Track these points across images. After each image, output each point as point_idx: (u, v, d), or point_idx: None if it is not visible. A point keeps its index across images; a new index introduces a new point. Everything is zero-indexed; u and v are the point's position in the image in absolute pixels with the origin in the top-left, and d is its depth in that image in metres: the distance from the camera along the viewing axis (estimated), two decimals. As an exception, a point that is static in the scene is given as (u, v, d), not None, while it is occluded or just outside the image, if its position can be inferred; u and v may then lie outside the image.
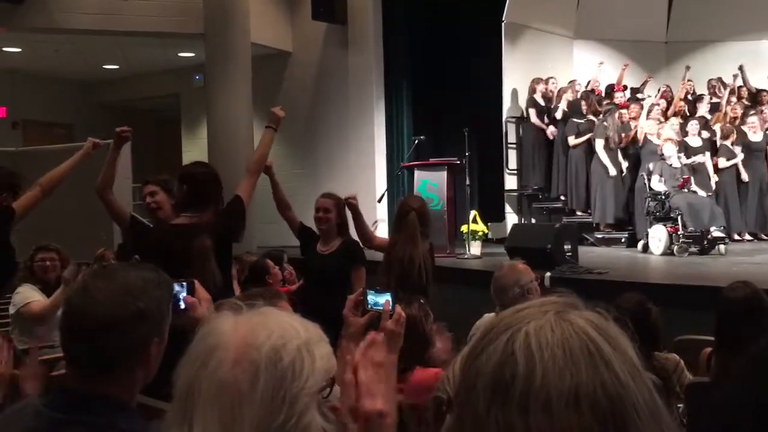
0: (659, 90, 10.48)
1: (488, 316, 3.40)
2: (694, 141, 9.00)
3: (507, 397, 0.72)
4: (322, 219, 4.26)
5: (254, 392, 0.95)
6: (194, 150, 11.89)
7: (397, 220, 4.33)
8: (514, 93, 10.26)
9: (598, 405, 0.71)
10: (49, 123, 11.98)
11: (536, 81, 9.98)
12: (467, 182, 8.29)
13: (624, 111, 9.40)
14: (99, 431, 1.35)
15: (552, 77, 10.25)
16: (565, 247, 6.54)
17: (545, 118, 9.85)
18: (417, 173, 8.40)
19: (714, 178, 8.87)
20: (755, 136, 9.26)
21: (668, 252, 7.54)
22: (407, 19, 10.04)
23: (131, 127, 3.93)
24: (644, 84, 10.80)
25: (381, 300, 2.23)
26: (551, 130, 9.69)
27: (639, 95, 10.49)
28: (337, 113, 10.64)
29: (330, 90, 10.73)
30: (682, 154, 8.40)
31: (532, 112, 9.88)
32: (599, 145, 8.99)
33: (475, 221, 7.92)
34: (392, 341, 1.81)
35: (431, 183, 8.22)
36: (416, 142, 8.60)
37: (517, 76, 10.23)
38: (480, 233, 7.90)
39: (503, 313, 0.80)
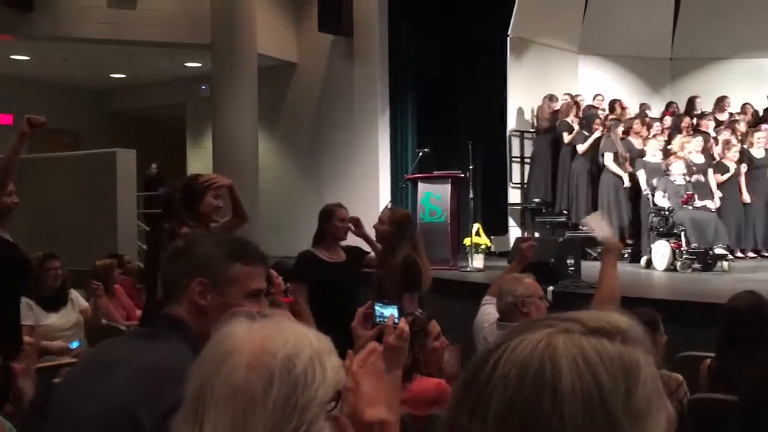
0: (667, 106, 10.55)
1: (488, 309, 3.40)
2: (697, 158, 9.01)
3: (465, 402, 0.73)
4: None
5: (267, 398, 0.97)
6: (199, 160, 11.94)
7: (403, 230, 4.31)
8: (519, 107, 10.31)
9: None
10: (57, 130, 12.05)
11: (550, 98, 10.01)
12: (471, 195, 8.31)
13: (624, 127, 9.46)
14: (166, 343, 1.51)
15: (566, 94, 10.28)
16: (568, 261, 6.54)
17: (555, 132, 9.88)
18: (421, 186, 8.42)
19: (717, 194, 8.88)
20: (758, 152, 9.28)
21: (671, 268, 7.54)
22: (413, 32, 10.10)
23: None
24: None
25: (387, 312, 2.25)
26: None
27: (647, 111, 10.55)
28: (341, 125, 10.69)
29: (335, 102, 10.79)
30: (685, 171, 8.42)
31: (544, 126, 9.91)
32: (608, 159, 9.01)
33: (478, 234, 7.93)
34: (393, 355, 1.82)
35: (435, 196, 8.24)
36: (420, 154, 8.63)
37: (522, 90, 10.28)
38: (483, 246, 7.91)
39: (523, 322, 0.80)
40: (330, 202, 4.60)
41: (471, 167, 8.27)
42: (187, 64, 11.53)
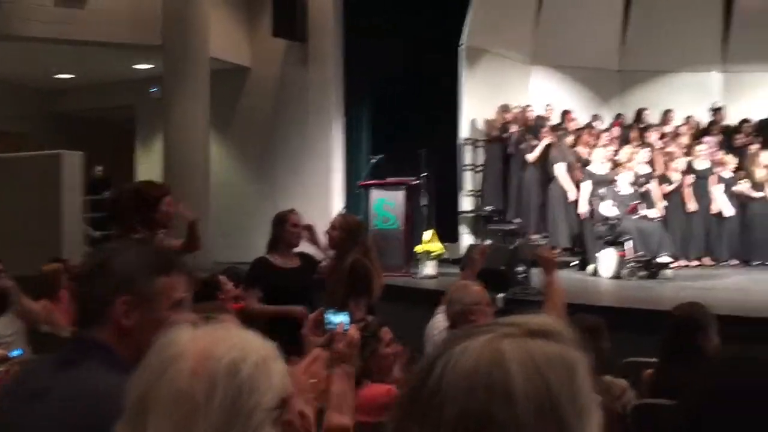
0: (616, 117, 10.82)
1: (439, 317, 3.43)
2: (643, 169, 9.25)
3: (413, 411, 0.73)
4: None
5: (211, 403, 0.95)
6: (148, 162, 11.73)
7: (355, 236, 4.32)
8: (472, 116, 10.42)
9: None
10: (2, 132, 11.69)
11: (503, 109, 10.15)
12: (424, 202, 8.36)
13: (573, 137, 9.66)
14: (89, 371, 1.42)
15: (517, 106, 10.45)
16: (519, 269, 6.63)
17: (506, 141, 10.02)
18: (374, 192, 8.44)
19: (662, 204, 9.11)
20: (701, 163, 9.57)
21: (617, 276, 7.71)
22: (368, 39, 10.11)
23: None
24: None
25: (338, 320, 2.25)
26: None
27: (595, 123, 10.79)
28: (295, 130, 10.63)
29: (289, 107, 10.73)
30: (632, 181, 8.64)
31: (495, 134, 10.03)
32: (559, 169, 9.17)
33: (432, 241, 7.97)
34: (342, 362, 1.81)
35: (388, 202, 8.27)
36: (374, 161, 8.65)
37: (475, 99, 10.39)
38: (438, 252, 7.95)
39: (463, 328, 0.80)
40: (283, 207, 4.61)
41: (424, 175, 8.32)
42: (138, 66, 11.32)
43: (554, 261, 3.48)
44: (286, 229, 4.31)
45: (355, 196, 9.51)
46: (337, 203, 9.95)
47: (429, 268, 7.85)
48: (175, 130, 9.31)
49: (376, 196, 8.40)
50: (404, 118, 9.89)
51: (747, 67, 11.66)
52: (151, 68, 10.95)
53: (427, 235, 7.97)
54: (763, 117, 10.74)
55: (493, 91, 10.56)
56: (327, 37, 10.17)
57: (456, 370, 0.72)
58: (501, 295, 5.76)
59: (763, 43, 11.35)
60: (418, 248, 7.97)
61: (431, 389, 0.72)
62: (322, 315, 2.30)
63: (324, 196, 10.05)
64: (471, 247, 6.43)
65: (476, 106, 10.43)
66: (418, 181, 8.34)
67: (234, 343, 1.01)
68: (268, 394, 0.98)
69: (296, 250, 4.40)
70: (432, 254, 7.87)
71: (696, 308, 2.87)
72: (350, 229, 4.25)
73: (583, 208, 8.74)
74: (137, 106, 12.50)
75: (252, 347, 1.01)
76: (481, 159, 10.38)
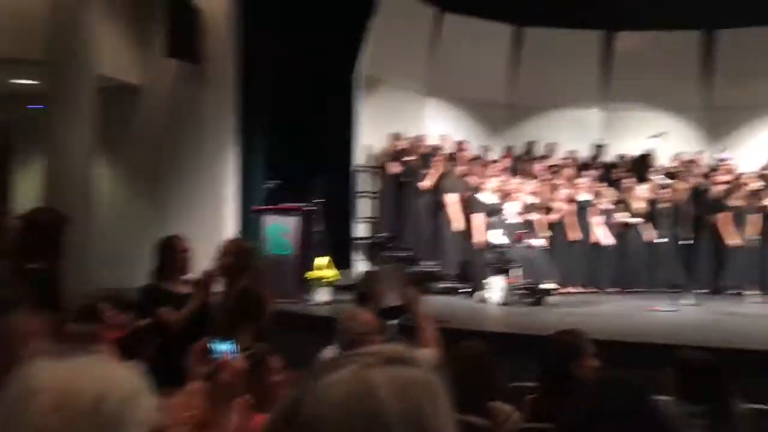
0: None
1: (331, 347, 3.40)
2: (530, 199, 9.63)
3: None
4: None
5: None
6: (27, 182, 11.07)
7: (245, 261, 4.22)
8: (367, 144, 10.54)
9: None
10: None
11: (395, 137, 10.34)
12: (318, 228, 8.33)
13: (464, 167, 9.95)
14: None
15: (412, 135, 10.67)
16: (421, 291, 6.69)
17: (400, 169, 10.18)
18: (268, 218, 8.34)
19: (545, 234, 9.49)
20: (582, 195, 10.07)
21: (505, 302, 7.95)
22: (266, 62, 10.03)
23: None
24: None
25: (223, 348, 2.18)
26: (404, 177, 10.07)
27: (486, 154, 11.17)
28: (188, 153, 10.34)
29: (182, 129, 10.43)
30: (519, 210, 8.97)
31: (390, 163, 10.17)
32: (450, 198, 9.39)
33: (326, 267, 7.94)
34: (227, 392, 1.76)
35: (282, 228, 8.19)
36: (269, 186, 8.56)
37: (370, 127, 10.52)
38: (331, 278, 7.92)
39: (329, 358, 0.82)
40: (174, 232, 4.49)
41: (319, 201, 8.31)
42: (17, 80, 10.72)
43: (416, 295, 3.53)
44: (176, 254, 4.21)
45: (250, 221, 9.34)
46: (230, 228, 9.73)
47: (322, 295, 7.81)
48: (57, 149, 8.82)
49: (271, 221, 8.30)
50: (300, 143, 9.86)
51: (624, 106, 12.47)
52: (30, 84, 10.39)
53: (322, 261, 7.93)
54: (639, 153, 11.47)
55: (389, 120, 10.74)
56: (223, 60, 10.00)
57: (328, 402, 0.72)
58: (394, 321, 5.78)
59: (639, 84, 12.19)
60: (312, 274, 7.91)
61: (304, 423, 0.72)
62: (207, 344, 2.23)
63: (217, 220, 9.80)
64: (367, 277, 6.42)
65: (372, 134, 10.56)
66: (312, 207, 8.30)
67: (98, 377, 0.95)
68: (133, 430, 0.93)
69: (184, 276, 4.27)
70: (325, 280, 7.83)
71: (574, 335, 2.99)
72: (241, 255, 4.17)
73: (477, 237, 8.99)
74: (16, 123, 11.80)
75: (118, 381, 0.96)
76: (376, 186, 10.50)
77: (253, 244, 5.57)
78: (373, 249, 9.95)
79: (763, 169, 10.95)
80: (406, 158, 10.15)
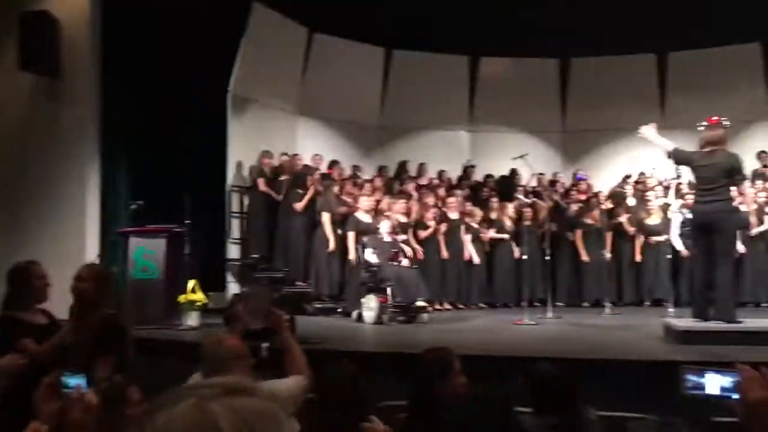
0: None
1: (196, 376, 3.27)
2: (402, 218, 9.81)
3: None
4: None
5: None
6: None
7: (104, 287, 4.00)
8: (239, 163, 10.36)
9: None
10: None
11: (265, 154, 10.22)
12: (188, 251, 8.06)
13: (338, 187, 10.00)
14: None
15: (284, 153, 10.59)
16: (287, 315, 6.60)
17: (272, 188, 10.05)
18: (133, 240, 7.97)
19: (418, 251, 9.69)
20: (453, 214, 10.38)
21: (379, 321, 8.02)
22: (131, 77, 9.63)
23: None
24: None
25: (74, 382, 2.05)
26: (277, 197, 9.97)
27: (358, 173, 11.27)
28: (44, 173, 9.71)
29: (38, 147, 9.77)
30: (391, 229, 9.10)
31: (261, 181, 10.02)
32: (324, 218, 9.39)
33: (194, 291, 7.68)
34: (74, 430, 1.64)
35: (148, 251, 7.85)
36: (133, 207, 8.19)
37: (242, 146, 10.36)
38: (199, 303, 7.67)
39: (171, 390, 0.80)
40: (30, 257, 4.20)
41: (187, 222, 8.05)
42: None
43: (281, 319, 3.49)
44: (32, 282, 3.95)
45: (112, 243, 8.89)
46: (92, 252, 9.20)
47: (192, 319, 7.54)
48: None
49: (136, 243, 7.94)
50: (168, 162, 9.52)
51: (489, 128, 13.03)
52: None
53: (189, 284, 7.67)
54: (504, 173, 12.00)
55: (261, 139, 10.62)
56: (82, 75, 9.49)
57: None
58: (265, 344, 5.66)
59: (501, 107, 12.79)
60: (181, 298, 7.63)
61: None
62: (58, 378, 2.08)
63: (77, 244, 9.23)
64: (234, 300, 6.28)
65: (244, 153, 10.40)
66: (181, 229, 8.02)
67: None
68: None
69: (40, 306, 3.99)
70: (195, 304, 7.57)
71: (442, 352, 3.05)
72: (99, 280, 3.93)
73: (350, 256, 9.04)
74: None
75: None
76: (248, 205, 10.31)
77: (111, 269, 5.30)
78: (245, 270, 9.75)
79: (615, 188, 11.78)
80: (278, 177, 10.06)
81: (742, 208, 9.54)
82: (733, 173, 6.32)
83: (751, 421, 1.43)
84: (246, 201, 10.32)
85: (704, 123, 6.50)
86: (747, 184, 6.39)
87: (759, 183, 10.61)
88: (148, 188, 9.22)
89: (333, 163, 10.98)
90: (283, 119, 11.52)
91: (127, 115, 9.57)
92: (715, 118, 6.51)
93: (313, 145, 11.48)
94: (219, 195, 10.03)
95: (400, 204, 9.90)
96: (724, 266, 6.17)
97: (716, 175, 6.22)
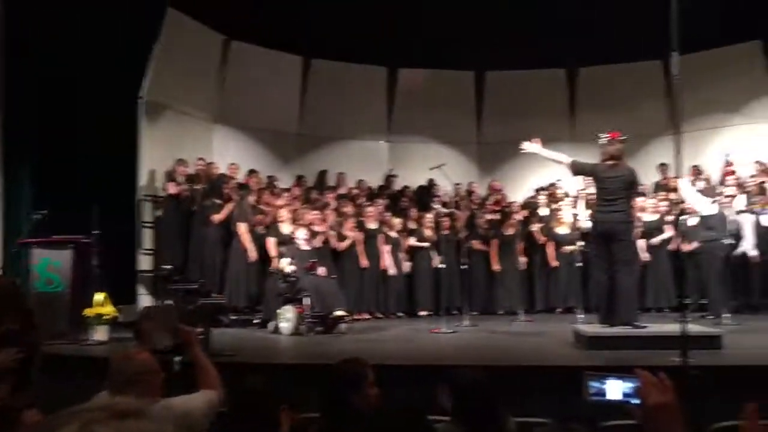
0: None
1: (103, 394, 3.14)
2: (320, 227, 9.77)
3: None
4: None
5: None
6: None
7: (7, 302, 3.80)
8: (152, 172, 10.06)
9: None
10: None
11: (179, 163, 9.96)
12: (95, 262, 7.76)
13: (255, 196, 9.87)
14: None
15: (200, 159, 10.35)
16: (198, 329, 6.43)
17: (187, 198, 9.81)
18: (36, 251, 7.60)
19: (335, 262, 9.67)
20: (372, 224, 10.42)
21: (296, 332, 7.94)
22: (35, 83, 9.22)
23: None
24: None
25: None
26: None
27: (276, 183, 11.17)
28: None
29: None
30: (309, 238, 9.05)
31: (171, 185, 9.76)
32: (241, 228, 9.22)
33: (102, 304, 7.39)
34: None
35: (53, 262, 7.51)
36: (37, 217, 7.82)
37: (156, 154, 10.08)
38: (108, 317, 7.38)
39: (56, 414, 0.77)
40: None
41: (96, 232, 7.75)
42: None
43: (190, 335, 3.41)
44: None
45: (14, 255, 8.45)
46: (-8, 264, 8.73)
47: (100, 334, 7.25)
48: None
49: (39, 255, 7.58)
50: (75, 171, 9.15)
51: (407, 138, 13.17)
52: None
53: (98, 297, 7.37)
54: (422, 183, 12.14)
55: (175, 147, 10.36)
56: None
57: None
58: (178, 358, 5.50)
59: (419, 118, 12.96)
60: (88, 312, 7.32)
61: None
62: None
63: (-25, 255, 8.76)
64: (145, 314, 6.07)
65: (157, 161, 10.11)
66: (89, 240, 7.71)
67: None
68: None
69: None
70: (104, 318, 7.28)
71: (355, 363, 3.04)
72: (1, 294, 3.73)
73: (268, 266, 8.93)
74: None
75: None
76: (161, 215, 10.02)
77: (15, 282, 5.04)
78: (158, 282, 9.47)
79: (528, 199, 12.13)
80: (193, 186, 9.83)
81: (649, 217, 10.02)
82: (633, 186, 6.63)
83: (649, 426, 1.48)
84: (159, 210, 10.02)
85: (605, 136, 6.80)
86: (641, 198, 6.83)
87: (661, 194, 11.15)
88: (53, 198, 8.82)
89: (250, 172, 10.83)
90: (199, 127, 11.29)
91: (30, 123, 9.13)
92: (616, 132, 6.83)
93: (229, 154, 11.29)
94: (130, 204, 9.72)
95: (319, 214, 9.88)
96: (627, 274, 6.44)
97: (618, 188, 6.53)
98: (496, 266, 10.86)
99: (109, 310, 7.36)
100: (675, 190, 10.34)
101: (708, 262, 8.59)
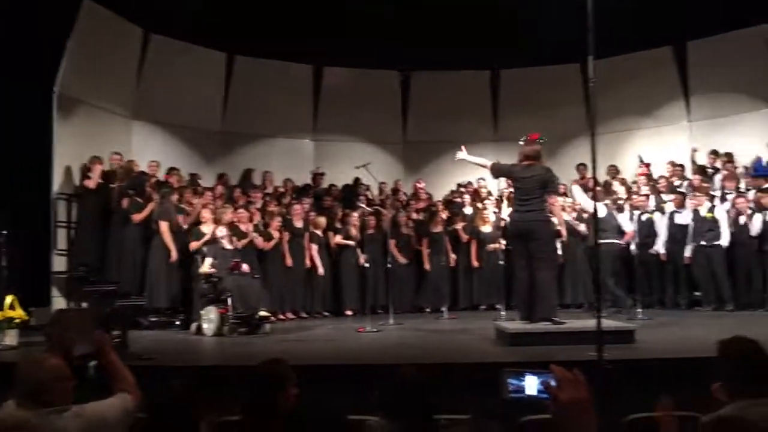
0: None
1: (10, 402, 2.99)
2: (246, 226, 9.62)
3: None
4: None
5: None
6: None
7: None
8: (67, 168, 9.66)
9: None
10: None
11: (95, 159, 9.58)
12: (4, 263, 7.40)
13: (177, 195, 9.63)
14: None
15: (116, 153, 9.98)
16: (114, 333, 6.23)
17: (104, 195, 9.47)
18: (-61, 252, 7.18)
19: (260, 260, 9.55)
20: (298, 222, 10.33)
21: (220, 333, 7.78)
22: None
23: None
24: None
25: None
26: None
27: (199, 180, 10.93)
28: None
29: None
30: (232, 237, 8.90)
31: (88, 182, 9.40)
32: (163, 227, 8.96)
33: (12, 307, 7.04)
34: None
35: (-43, 264, 7.11)
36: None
37: (71, 150, 9.68)
38: (18, 320, 7.04)
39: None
40: None
41: (4, 232, 7.39)
42: None
43: (103, 340, 3.29)
44: None
45: None
46: None
47: (9, 338, 6.91)
48: None
49: (-58, 256, 7.16)
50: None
51: (333, 137, 13.13)
52: None
53: (7, 300, 7.03)
54: (347, 182, 12.12)
55: (92, 143, 9.97)
56: None
57: None
58: (93, 363, 5.30)
59: (345, 117, 12.95)
60: (-2, 315, 6.96)
61: None
62: None
63: None
64: (57, 317, 5.81)
65: (72, 158, 9.71)
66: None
67: None
68: None
69: None
70: (13, 322, 6.94)
71: (277, 364, 2.99)
72: None
73: (190, 266, 8.73)
74: None
75: None
76: (77, 214, 9.63)
77: None
78: (73, 284, 9.10)
79: (450, 197, 12.29)
80: (112, 184, 9.50)
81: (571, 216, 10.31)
82: (547, 186, 6.75)
83: (562, 421, 1.51)
84: (75, 209, 9.63)
85: (525, 138, 6.99)
86: (556, 197, 7.00)
87: (602, 190, 11.47)
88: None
89: (171, 170, 10.56)
90: (117, 123, 10.91)
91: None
92: (535, 134, 7.01)
93: (150, 152, 10.97)
94: (43, 203, 9.29)
95: (244, 212, 9.73)
96: (545, 271, 6.61)
97: (533, 187, 6.68)
98: (427, 265, 10.95)
99: (18, 313, 7.02)
100: (566, 194, 10.75)
101: (602, 261, 8.98)
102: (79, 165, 9.71)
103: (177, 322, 8.84)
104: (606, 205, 9.37)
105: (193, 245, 8.82)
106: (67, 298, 9.20)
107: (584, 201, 9.39)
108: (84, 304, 9.04)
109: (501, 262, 9.79)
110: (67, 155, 9.59)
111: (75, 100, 9.83)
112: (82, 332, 3.35)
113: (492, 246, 10.56)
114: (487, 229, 11.03)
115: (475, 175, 12.22)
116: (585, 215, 9.85)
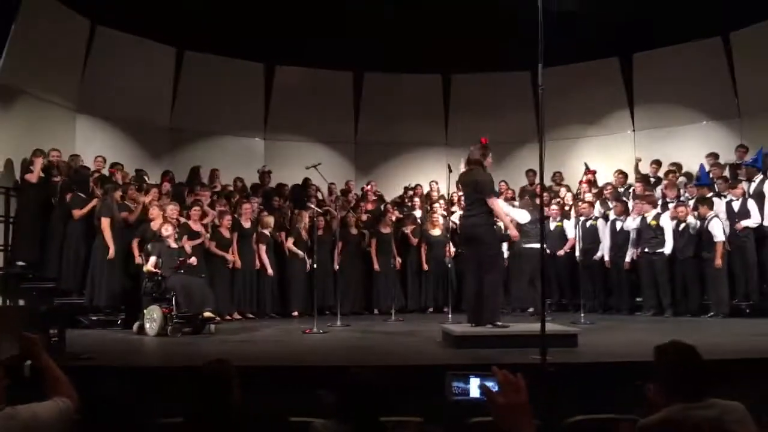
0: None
1: None
2: (196, 226, 9.47)
3: None
4: None
5: None
6: None
7: None
8: (7, 162, 9.36)
9: None
10: None
11: (37, 153, 9.28)
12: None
13: (121, 191, 9.42)
14: None
15: (55, 150, 9.68)
16: (51, 332, 6.04)
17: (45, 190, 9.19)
18: None
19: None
20: (246, 222, 10.22)
21: (163, 333, 7.63)
22: None
23: None
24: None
25: None
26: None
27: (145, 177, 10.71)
28: None
29: None
30: (177, 235, 8.74)
31: (29, 176, 9.11)
32: (104, 223, 8.74)
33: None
34: None
35: None
36: None
37: (11, 143, 9.39)
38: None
39: None
40: None
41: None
42: None
43: (32, 342, 3.15)
44: None
45: None
46: None
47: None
48: None
49: None
50: None
51: (284, 136, 13.05)
52: None
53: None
54: (297, 182, 12.04)
55: (34, 136, 9.68)
56: None
57: None
58: (28, 362, 5.13)
59: (297, 117, 12.88)
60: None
61: None
62: None
63: None
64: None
65: (12, 150, 9.41)
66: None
67: None
68: None
69: None
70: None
71: (221, 365, 2.94)
72: None
73: (132, 264, 8.56)
74: None
75: None
76: (15, 209, 9.33)
77: None
78: (10, 281, 8.80)
79: (399, 199, 12.34)
80: (52, 178, 9.22)
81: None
82: (478, 187, 6.66)
83: (501, 422, 1.53)
84: (13, 203, 9.32)
85: (478, 143, 7.04)
86: (494, 199, 6.86)
87: (527, 198, 11.66)
88: None
89: (114, 165, 10.31)
90: (60, 116, 10.61)
91: None
92: (485, 138, 7.08)
93: (95, 146, 10.70)
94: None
95: (191, 210, 9.58)
96: (491, 274, 6.67)
97: (469, 193, 6.75)
98: (377, 266, 10.95)
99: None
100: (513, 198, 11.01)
101: (529, 265, 9.64)
102: (19, 158, 9.41)
103: (118, 321, 8.64)
104: (530, 210, 9.50)
105: (134, 244, 8.63)
106: (3, 296, 8.89)
107: (510, 211, 9.49)
108: (21, 302, 8.77)
109: (449, 265, 9.85)
110: (7, 147, 9.30)
111: (17, 90, 9.53)
112: (7, 333, 3.21)
113: (445, 249, 10.62)
114: (436, 232, 11.09)
115: (427, 179, 12.30)
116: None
